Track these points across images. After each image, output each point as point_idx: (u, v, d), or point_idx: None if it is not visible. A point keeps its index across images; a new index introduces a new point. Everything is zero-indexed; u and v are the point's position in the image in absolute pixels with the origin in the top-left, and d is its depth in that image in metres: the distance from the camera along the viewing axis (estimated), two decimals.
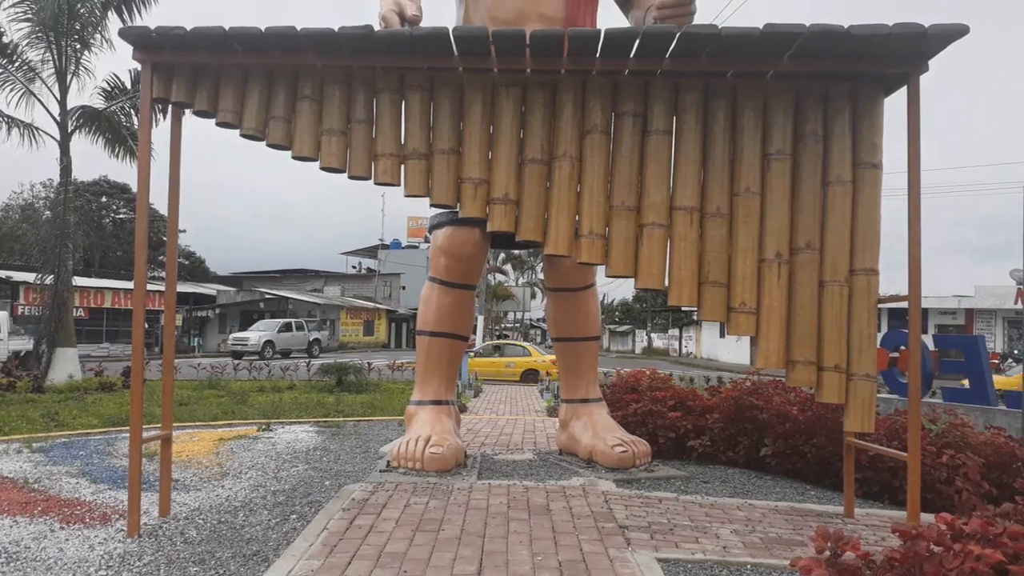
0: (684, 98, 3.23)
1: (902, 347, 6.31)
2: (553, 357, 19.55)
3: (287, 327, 33.07)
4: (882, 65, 3.05)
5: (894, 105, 3.20)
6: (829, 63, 3.06)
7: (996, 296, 28.93)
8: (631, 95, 3.23)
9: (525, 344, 21.42)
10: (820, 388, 3.13)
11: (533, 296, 49.94)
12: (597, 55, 3.12)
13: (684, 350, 51.23)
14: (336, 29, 3.09)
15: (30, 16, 12.82)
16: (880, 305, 3.24)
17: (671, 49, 3.05)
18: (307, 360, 18.17)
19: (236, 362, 16.42)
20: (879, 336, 3.49)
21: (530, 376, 18.09)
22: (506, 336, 59.31)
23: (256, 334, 31.21)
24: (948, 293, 30.70)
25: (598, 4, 4.84)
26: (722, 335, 39.95)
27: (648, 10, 4.41)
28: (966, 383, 6.74)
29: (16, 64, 13.18)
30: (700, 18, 3.83)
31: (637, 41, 3.04)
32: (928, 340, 7.70)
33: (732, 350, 38.96)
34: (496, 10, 4.63)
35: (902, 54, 3.00)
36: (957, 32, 2.85)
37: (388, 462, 4.75)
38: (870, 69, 3.07)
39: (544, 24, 4.43)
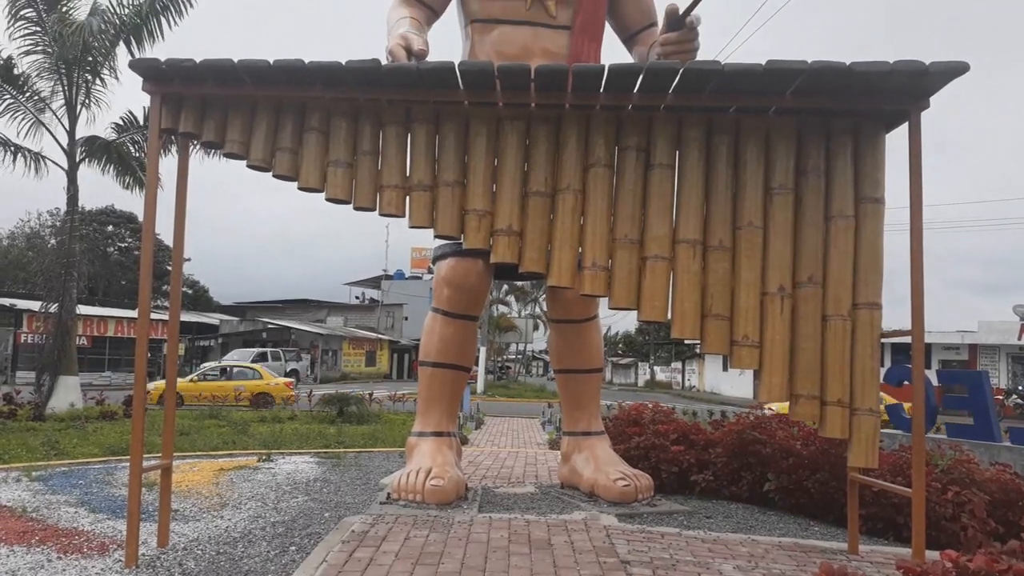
0: (687, 133, 3.25)
1: (906, 382, 6.29)
2: (287, 380, 19.45)
3: (262, 356, 32.07)
4: (883, 102, 3.08)
5: (896, 140, 3.22)
6: (831, 99, 3.09)
7: (999, 332, 28.85)
8: (634, 129, 3.26)
9: (256, 367, 20.51)
10: (823, 423, 3.12)
11: (536, 328, 49.84)
12: (601, 90, 3.16)
13: (687, 383, 50.99)
14: (344, 63, 3.13)
15: (44, 49, 13.00)
16: (883, 340, 3.23)
17: (674, 85, 3.08)
18: (308, 392, 17.91)
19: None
20: (882, 371, 3.48)
21: (262, 401, 17.13)
22: (508, 368, 59.06)
23: (226, 364, 30.80)
24: (951, 328, 30.62)
25: (602, 40, 4.90)
26: (725, 368, 39.80)
27: (651, 46, 4.46)
28: (971, 419, 6.70)
29: (27, 95, 13.34)
30: (703, 54, 3.88)
31: (641, 77, 3.07)
32: (932, 375, 7.66)
33: (735, 384, 38.78)
34: (501, 45, 4.69)
35: (903, 91, 3.03)
36: (957, 70, 2.89)
37: (388, 494, 4.72)
38: (871, 106, 3.10)
39: (548, 59, 4.48)
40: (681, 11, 3.66)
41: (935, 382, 7.23)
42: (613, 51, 4.92)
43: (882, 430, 3.77)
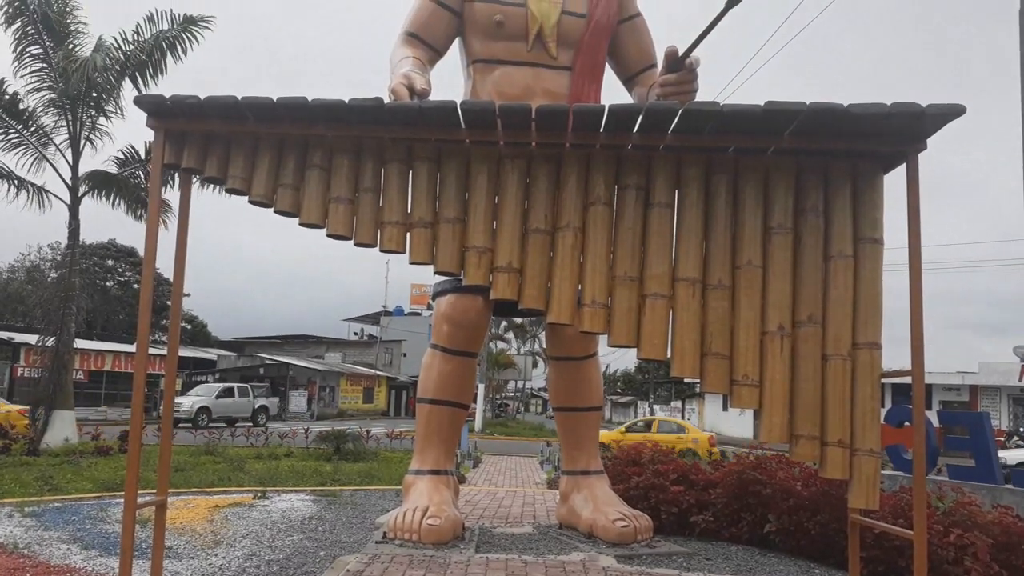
0: (686, 172, 3.28)
1: (906, 423, 6.26)
2: (20, 408, 18.86)
3: (228, 392, 31.28)
4: (881, 143, 3.10)
5: (898, 179, 3.25)
6: (829, 140, 3.11)
7: (1000, 373, 28.78)
8: (634, 169, 3.29)
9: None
10: (824, 463, 3.09)
11: (535, 365, 49.68)
12: (601, 130, 3.19)
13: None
14: (347, 101, 3.17)
15: (50, 84, 13.15)
16: (883, 380, 3.22)
17: (674, 125, 3.11)
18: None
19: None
20: (883, 412, 3.46)
21: None
22: (506, 406, 58.77)
23: (190, 399, 29.36)
24: (952, 369, 30.55)
25: (602, 81, 4.97)
26: (725, 408, 39.65)
27: (651, 87, 4.52)
28: (971, 461, 6.65)
29: (31, 129, 13.46)
30: (702, 94, 3.93)
31: (640, 117, 3.10)
32: (932, 416, 7.62)
33: (735, 423, 38.58)
34: (503, 85, 4.75)
35: (900, 133, 3.05)
36: (954, 112, 2.91)
37: (384, 533, 4.66)
38: (869, 147, 3.12)
39: (549, 99, 4.54)
40: (680, 53, 3.72)
41: (936, 423, 7.20)
42: (613, 92, 4.98)
43: (882, 471, 3.74)
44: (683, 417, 51.25)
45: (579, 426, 5.54)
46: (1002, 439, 17.08)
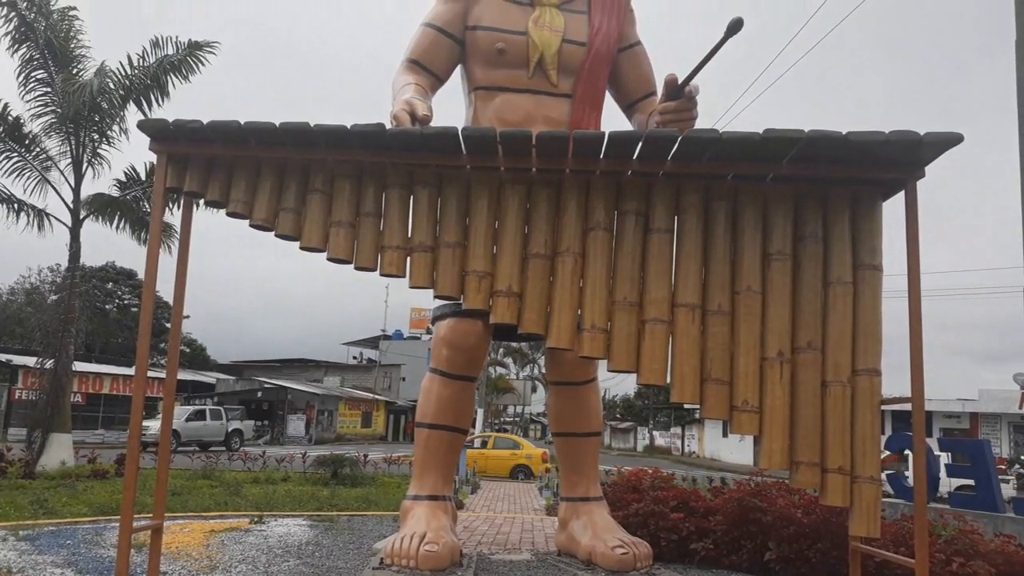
0: (685, 198, 3.29)
1: (907, 450, 6.23)
2: None
3: (199, 415, 30.45)
4: (879, 170, 3.12)
5: (898, 205, 3.26)
6: (828, 167, 3.13)
7: (1000, 400, 28.68)
8: (634, 195, 3.30)
9: None
10: (824, 490, 3.08)
11: (534, 390, 49.58)
12: (601, 156, 3.21)
13: (687, 449, 50.46)
14: (349, 126, 3.19)
15: (54, 109, 13.25)
16: (883, 407, 3.22)
17: (673, 152, 3.13)
18: (302, 453, 17.48)
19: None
20: (883, 439, 3.45)
21: None
22: (506, 431, 58.52)
23: (158, 422, 28.03)
24: (952, 396, 30.46)
25: (602, 108, 5.00)
26: (725, 434, 39.51)
27: (651, 115, 4.55)
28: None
29: (34, 153, 13.54)
30: (702, 122, 3.96)
31: (640, 144, 3.12)
32: (933, 444, 7.60)
33: (735, 450, 38.41)
34: (504, 112, 4.78)
35: (898, 160, 3.07)
36: (951, 140, 2.94)
37: (381, 559, 4.63)
38: (868, 174, 3.14)
39: (550, 126, 4.57)
40: (680, 81, 3.75)
41: (937, 451, 7.17)
42: (613, 119, 5.02)
43: (884, 499, 3.73)
44: (683, 444, 51.00)
45: (578, 452, 5.51)
46: (1003, 467, 17.00)
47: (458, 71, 5.14)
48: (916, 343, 3.08)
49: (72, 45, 13.61)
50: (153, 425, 27.73)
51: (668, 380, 3.20)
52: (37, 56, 13.24)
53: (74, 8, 13.77)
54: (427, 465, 5.19)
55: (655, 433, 55.51)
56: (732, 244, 3.27)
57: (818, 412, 3.11)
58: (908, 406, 3.12)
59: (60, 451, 12.94)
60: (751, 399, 3.13)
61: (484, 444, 23.06)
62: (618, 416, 64.87)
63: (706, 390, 3.17)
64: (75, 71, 13.45)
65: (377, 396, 51.50)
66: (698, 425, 47.95)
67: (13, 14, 12.89)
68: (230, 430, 31.22)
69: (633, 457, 40.77)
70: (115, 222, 14.38)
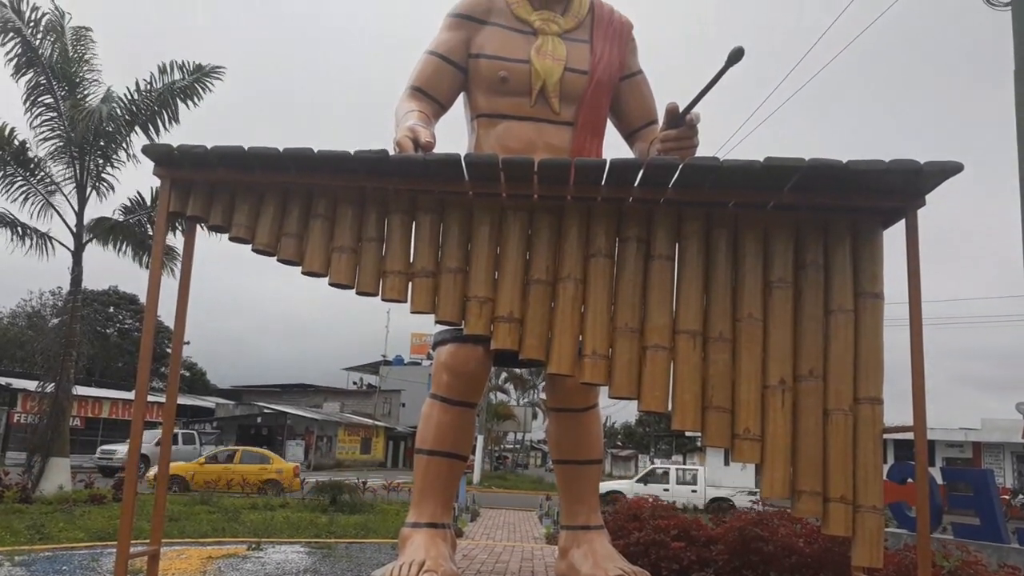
0: (686, 226, 3.30)
1: (909, 480, 6.19)
2: None
3: (173, 439, 29.98)
4: (880, 199, 3.13)
5: (900, 233, 3.27)
6: (828, 196, 3.14)
7: (1003, 430, 28.54)
8: (635, 221, 3.31)
9: None
10: (826, 519, 3.05)
11: (534, 417, 49.29)
12: (602, 183, 3.22)
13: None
14: (352, 152, 3.21)
15: (59, 133, 13.35)
16: (885, 436, 3.20)
17: (674, 179, 3.15)
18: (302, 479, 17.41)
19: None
20: (885, 468, 3.43)
21: None
22: (505, 458, 58.17)
23: (126, 447, 27.48)
24: (955, 425, 30.32)
25: (604, 136, 5.03)
26: (726, 463, 39.22)
27: (652, 143, 4.58)
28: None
29: (38, 177, 13.62)
30: (703, 149, 3.98)
31: (641, 171, 3.14)
32: (936, 473, 7.55)
33: (737, 478, 38.14)
34: (506, 139, 4.81)
35: (899, 189, 3.08)
36: (951, 170, 2.95)
37: None
38: (868, 203, 3.15)
39: (552, 153, 4.58)
40: (681, 109, 3.77)
41: (940, 480, 7.12)
42: (614, 146, 5.05)
43: (886, 529, 3.69)
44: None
45: (579, 479, 5.47)
46: (1007, 497, 16.87)
47: (461, 98, 5.18)
48: (918, 366, 3.07)
49: (83, 69, 13.72)
50: (120, 449, 27.32)
51: (669, 407, 3.19)
52: (43, 81, 13.36)
53: (89, 29, 13.92)
54: (426, 492, 5.15)
55: (656, 461, 55.16)
56: (733, 271, 3.27)
57: (820, 440, 3.10)
58: (910, 435, 3.11)
59: (58, 475, 12.88)
60: (752, 427, 3.12)
61: (230, 458, 22.61)
62: (619, 443, 64.52)
63: (707, 418, 3.15)
64: (82, 96, 13.56)
65: (377, 422, 51.27)
66: (699, 453, 47.66)
67: (17, 40, 13.00)
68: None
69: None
70: (117, 245, 14.43)
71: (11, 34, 12.82)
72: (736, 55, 3.26)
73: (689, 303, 3.24)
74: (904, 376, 3.12)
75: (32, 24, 13.08)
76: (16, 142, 13.11)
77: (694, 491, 25.99)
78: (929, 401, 3.10)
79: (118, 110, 13.22)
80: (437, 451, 5.15)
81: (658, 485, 26.62)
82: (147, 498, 10.78)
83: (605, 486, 26.10)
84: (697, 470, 28.12)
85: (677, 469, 27.70)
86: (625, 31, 5.16)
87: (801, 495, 3.08)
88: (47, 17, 13.18)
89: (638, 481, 27.96)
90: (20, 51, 12.94)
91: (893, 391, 3.19)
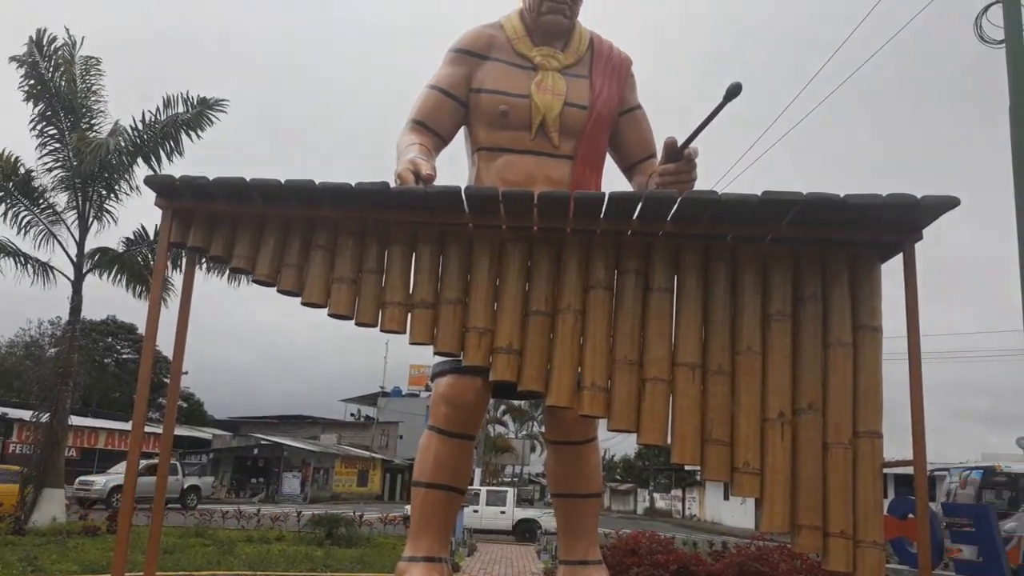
0: (685, 258, 3.31)
1: (910, 515, 6.14)
2: None
3: (150, 469, 27.78)
4: (877, 233, 3.15)
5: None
6: (826, 229, 3.16)
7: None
8: (634, 254, 3.33)
9: None
10: (827, 555, 3.03)
11: (533, 449, 48.99)
12: (601, 216, 3.24)
13: (687, 512, 49.68)
14: (353, 184, 3.23)
15: (63, 164, 13.44)
16: (886, 470, 3.19)
17: (672, 212, 3.17)
18: (297, 512, 17.19)
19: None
20: (885, 503, 3.41)
21: None
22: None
23: (104, 478, 27.14)
24: (956, 461, 30.11)
25: (603, 170, 5.07)
26: (726, 497, 38.95)
27: (651, 176, 4.62)
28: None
29: (41, 207, 13.69)
30: (702, 182, 4.01)
31: (640, 204, 3.16)
32: (936, 508, 7.49)
33: (736, 513, 37.83)
34: (506, 172, 4.84)
35: (896, 223, 3.10)
36: (948, 204, 2.97)
37: None
38: (866, 236, 3.17)
39: (551, 186, 4.61)
40: (679, 143, 3.81)
41: (941, 515, 7.06)
42: (614, 179, 5.08)
43: (888, 565, 3.66)
44: (684, 507, 50.19)
45: (578, 513, 5.42)
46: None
47: (462, 132, 5.23)
48: (917, 400, 3.06)
49: (91, 100, 13.85)
50: (98, 480, 26.55)
51: (668, 440, 3.18)
52: (50, 112, 13.48)
53: (98, 60, 14.07)
54: (423, 525, 5.10)
55: (655, 495, 54.70)
56: (732, 304, 3.28)
57: (820, 474, 3.08)
58: (910, 469, 3.09)
59: (52, 507, 12.76)
60: (752, 461, 3.11)
61: None
62: (618, 477, 64.01)
63: (707, 451, 3.14)
64: (88, 127, 13.68)
65: (374, 454, 50.92)
66: (699, 487, 47.31)
67: (32, 72, 13.15)
68: (186, 486, 29.42)
69: (633, 520, 40.08)
70: (114, 276, 14.45)
71: (27, 67, 12.99)
72: (734, 91, 3.30)
73: (688, 336, 3.24)
74: (904, 410, 3.11)
75: (48, 57, 13.24)
76: (22, 171, 13.21)
77: (503, 512, 25.78)
78: (929, 436, 3.09)
79: (122, 142, 13.32)
80: (435, 484, 5.11)
81: (467, 507, 26.40)
82: (141, 530, 10.67)
83: (396, 508, 25.99)
84: (506, 492, 27.90)
85: (487, 491, 27.46)
86: (624, 67, 5.22)
87: (801, 529, 3.06)
88: (60, 50, 13.35)
89: None
90: (33, 82, 13.09)
91: (893, 425, 3.18)
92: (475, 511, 25.11)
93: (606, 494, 55.74)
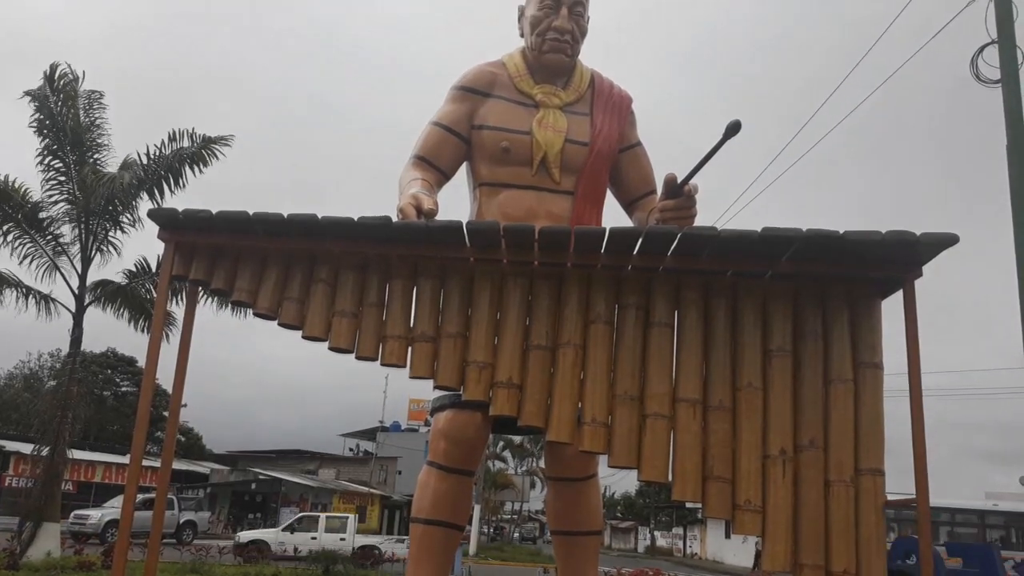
0: (685, 294, 3.32)
1: (913, 556, 6.07)
2: None
3: (146, 504, 27.65)
4: (877, 269, 3.16)
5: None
6: (826, 265, 3.16)
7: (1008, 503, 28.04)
8: (634, 288, 3.33)
9: None
10: None
11: (533, 486, 48.54)
12: (602, 251, 3.26)
13: (689, 550, 49.10)
14: (355, 218, 3.25)
15: (67, 197, 13.53)
16: (888, 508, 3.16)
17: (673, 248, 3.18)
18: (181, 544, 16.53)
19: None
20: (888, 542, 3.38)
21: None
22: (503, 529, 57.00)
23: (99, 512, 26.86)
24: (959, 499, 29.81)
25: (603, 205, 5.10)
26: (728, 535, 38.53)
27: (651, 212, 4.65)
28: None
29: (46, 239, 13.77)
30: (702, 219, 4.03)
31: (640, 239, 3.17)
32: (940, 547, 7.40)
33: (738, 551, 37.39)
34: (507, 207, 4.87)
35: (895, 259, 3.11)
36: (947, 241, 2.98)
37: None
38: (866, 273, 3.17)
39: (552, 221, 4.64)
40: (679, 180, 3.84)
41: (944, 556, 6.98)
42: (614, 215, 5.11)
43: None
44: (685, 545, 49.59)
45: (578, 551, 5.35)
46: (1014, 573, 16.48)
47: (464, 168, 5.27)
48: (919, 436, 3.05)
49: (95, 134, 14.00)
50: (93, 515, 26.28)
51: (669, 477, 3.15)
52: (55, 146, 13.61)
53: (101, 93, 14.25)
54: (421, 562, 5.04)
55: (656, 533, 54.06)
56: (732, 340, 3.28)
57: (822, 512, 3.05)
58: (912, 507, 3.07)
59: (47, 541, 12.63)
60: (753, 498, 3.08)
61: None
62: (619, 515, 63.32)
63: (708, 488, 3.11)
64: (93, 159, 13.80)
65: (372, 490, 50.45)
66: (700, 525, 46.80)
67: (40, 107, 13.31)
68: (182, 521, 29.05)
69: (634, 558, 39.59)
70: (116, 309, 14.48)
71: (37, 102, 13.17)
72: (733, 128, 3.33)
73: (689, 371, 3.23)
74: (907, 448, 3.09)
75: (57, 91, 13.42)
76: (29, 203, 13.31)
77: (343, 539, 25.49)
78: (932, 474, 3.07)
79: (135, 179, 13.44)
80: (433, 520, 5.06)
81: (305, 533, 26.32)
82: (136, 565, 10.54)
83: (246, 535, 25.83)
84: (347, 518, 27.60)
85: (327, 517, 27.22)
86: (625, 104, 5.28)
87: (803, 568, 3.03)
88: (68, 85, 13.54)
89: (284, 529, 27.32)
90: (42, 116, 13.26)
91: (897, 463, 3.16)
92: (313, 538, 25.21)
93: (607, 532, 55.09)
